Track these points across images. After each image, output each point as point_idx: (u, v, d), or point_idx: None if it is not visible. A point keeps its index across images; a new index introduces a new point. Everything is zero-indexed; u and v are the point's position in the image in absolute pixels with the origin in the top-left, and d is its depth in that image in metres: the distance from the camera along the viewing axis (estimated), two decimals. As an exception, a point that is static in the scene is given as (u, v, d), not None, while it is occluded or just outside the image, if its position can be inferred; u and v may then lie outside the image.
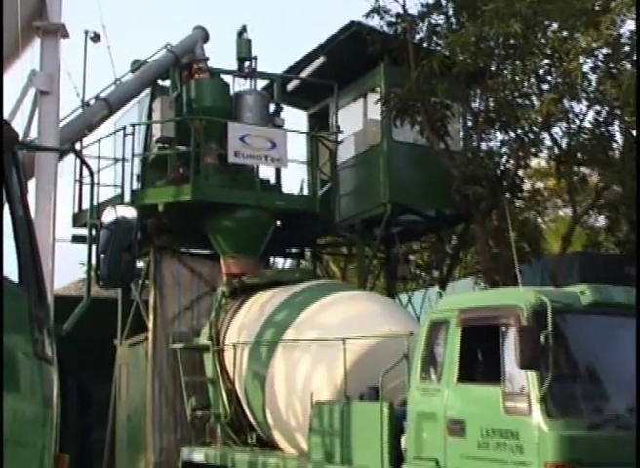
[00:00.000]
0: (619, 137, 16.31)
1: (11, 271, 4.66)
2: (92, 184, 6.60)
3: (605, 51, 15.28)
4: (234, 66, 17.99)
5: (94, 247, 5.83)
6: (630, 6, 14.45)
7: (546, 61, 15.91)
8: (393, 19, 16.63)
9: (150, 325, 16.66)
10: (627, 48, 15.44)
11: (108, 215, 5.67)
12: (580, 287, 9.41)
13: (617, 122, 16.08)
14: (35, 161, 10.98)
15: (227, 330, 14.95)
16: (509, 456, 8.60)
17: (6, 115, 6.82)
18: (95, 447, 18.26)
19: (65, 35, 11.64)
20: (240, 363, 14.07)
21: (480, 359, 9.60)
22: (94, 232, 5.96)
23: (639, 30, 14.37)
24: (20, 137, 5.58)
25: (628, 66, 15.32)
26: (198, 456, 14.30)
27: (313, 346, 12.30)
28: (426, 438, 9.62)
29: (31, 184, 10.72)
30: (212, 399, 15.02)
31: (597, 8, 15.12)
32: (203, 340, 15.41)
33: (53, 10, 11.34)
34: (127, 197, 16.16)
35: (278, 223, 17.43)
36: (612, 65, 15.41)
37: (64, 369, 6.46)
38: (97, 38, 16.65)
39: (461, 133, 17.82)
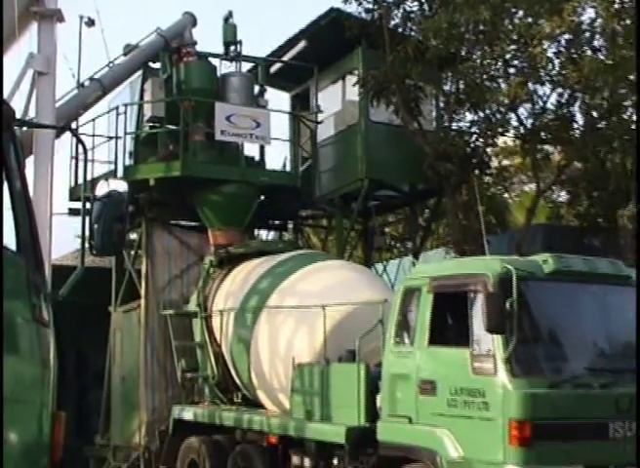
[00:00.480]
0: (579, 118, 16.43)
1: (10, 241, 4.67)
2: (85, 160, 6.56)
3: (567, 37, 15.33)
4: (221, 50, 17.91)
5: (88, 218, 5.81)
6: None
7: (513, 47, 15.96)
8: (370, 6, 16.63)
9: (142, 292, 16.64)
10: (587, 34, 15.50)
11: (101, 189, 5.65)
12: (542, 256, 9.47)
13: (577, 103, 16.16)
14: (33, 139, 10.94)
15: (215, 297, 14.95)
16: (476, 413, 8.69)
17: (5, 96, 6.76)
18: (92, 406, 18.27)
19: (61, 19, 11.59)
20: (226, 328, 14.09)
21: (450, 323, 9.68)
22: (88, 205, 5.93)
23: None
24: (20, 116, 5.55)
25: (589, 52, 15.40)
26: (188, 414, 14.33)
27: (295, 312, 12.32)
28: (400, 397, 9.69)
29: (30, 161, 10.70)
30: (200, 361, 15.03)
31: (560, -4, 15.15)
32: (192, 307, 15.42)
33: (50, -5, 11.31)
34: (120, 172, 16.10)
35: (262, 197, 17.39)
36: (573, 51, 15.48)
37: (63, 334, 6.46)
38: (91, 23, 16.53)
39: (434, 113, 17.81)
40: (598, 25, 15.48)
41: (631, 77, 14.78)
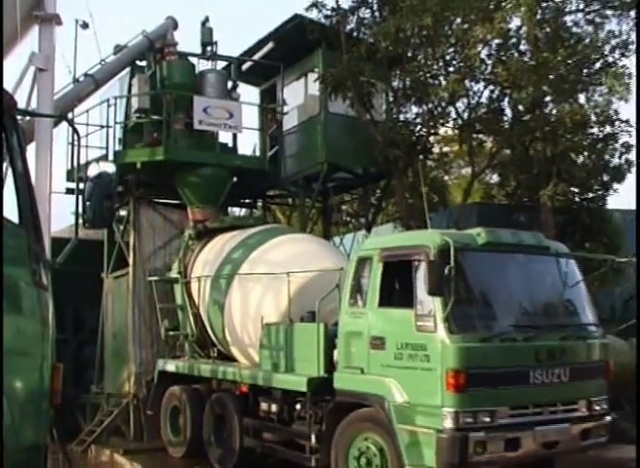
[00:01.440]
0: (508, 111, 16.54)
1: (13, 216, 4.65)
2: (79, 146, 6.53)
3: (497, 41, 15.41)
4: (199, 50, 17.77)
5: (81, 196, 5.77)
6: (517, 6, 14.62)
7: (451, 49, 16.03)
8: (329, 13, 16.54)
9: (130, 261, 16.55)
10: (514, 39, 15.61)
11: (93, 170, 5.61)
12: (476, 230, 9.52)
13: (506, 99, 16.27)
14: (35, 127, 10.83)
15: (193, 265, 14.91)
16: (419, 364, 8.74)
17: (10, 89, 6.65)
18: (88, 359, 18.18)
19: (59, 23, 11.48)
20: (203, 292, 14.06)
21: (397, 288, 9.67)
22: (82, 185, 5.90)
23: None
24: (23, 108, 5.48)
25: (515, 54, 15.50)
26: (170, 367, 14.32)
27: (263, 278, 12.29)
28: (353, 351, 9.73)
29: (32, 147, 10.58)
30: (181, 321, 14.99)
31: (491, 6, 15.23)
32: (173, 274, 15.33)
33: (49, 1, 11.20)
34: (111, 157, 15.97)
35: (235, 179, 17.32)
36: (502, 53, 15.57)
37: (62, 297, 6.43)
38: (85, 26, 16.33)
39: (384, 106, 17.77)
40: (523, 32, 15.60)
41: (551, 76, 14.91)
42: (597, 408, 9.52)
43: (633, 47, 15.47)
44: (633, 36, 15.50)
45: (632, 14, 15.42)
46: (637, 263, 10.05)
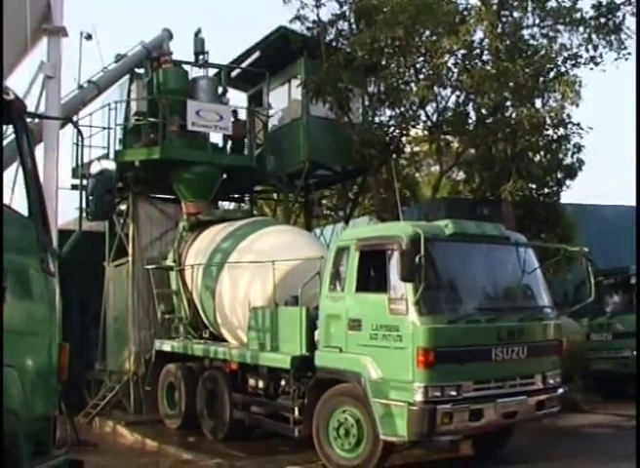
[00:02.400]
0: (472, 115, 16.59)
1: (23, 209, 4.64)
2: (83, 146, 6.53)
3: (462, 52, 15.47)
4: (192, 58, 17.71)
5: (85, 191, 5.75)
6: (480, 21, 14.70)
7: (421, 58, 16.06)
8: (310, 25, 16.59)
9: (130, 251, 16.49)
10: (478, 50, 15.69)
11: (95, 168, 5.59)
12: (444, 222, 9.56)
13: (471, 103, 16.32)
14: (42, 129, 10.80)
15: (187, 254, 14.84)
16: (392, 344, 8.77)
17: (21, 95, 6.61)
18: (91, 340, 18.12)
19: (65, 34, 11.55)
20: (196, 279, 14.02)
21: (372, 274, 9.66)
22: (85, 181, 5.88)
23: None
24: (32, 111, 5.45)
25: (479, 64, 15.58)
26: (166, 347, 14.29)
27: (251, 266, 12.26)
28: (333, 332, 9.73)
29: (40, 147, 10.53)
30: (176, 305, 14.95)
31: (457, 20, 15.31)
32: (169, 262, 15.28)
33: (56, 15, 11.29)
34: (112, 155, 15.88)
35: (224, 175, 17.28)
36: (467, 63, 15.62)
37: (69, 284, 6.40)
38: (89, 37, 16.22)
39: (360, 109, 17.78)
40: (486, 44, 15.68)
41: (510, 83, 15.01)
42: (551, 381, 9.62)
43: (582, 59, 15.72)
44: (582, 49, 15.75)
45: (581, 29, 15.63)
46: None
